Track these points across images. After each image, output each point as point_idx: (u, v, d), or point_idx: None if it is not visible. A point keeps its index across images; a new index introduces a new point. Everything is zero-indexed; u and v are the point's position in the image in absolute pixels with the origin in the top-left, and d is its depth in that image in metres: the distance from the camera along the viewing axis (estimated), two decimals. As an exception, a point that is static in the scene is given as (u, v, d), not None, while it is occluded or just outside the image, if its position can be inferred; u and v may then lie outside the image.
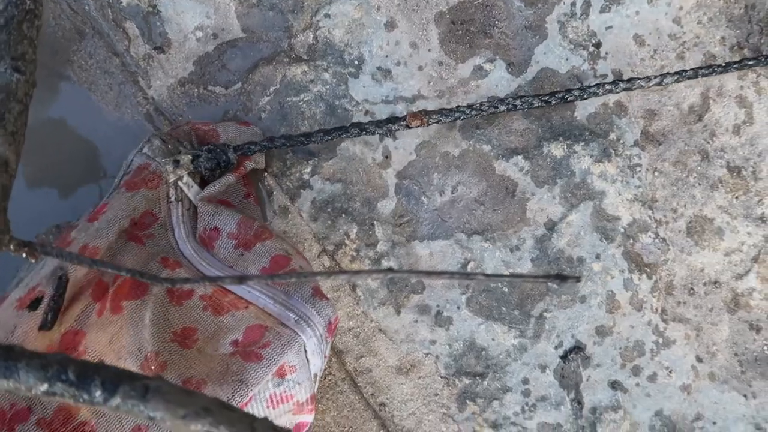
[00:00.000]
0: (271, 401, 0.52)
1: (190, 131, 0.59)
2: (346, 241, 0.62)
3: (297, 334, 0.51)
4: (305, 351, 0.52)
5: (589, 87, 0.59)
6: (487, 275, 0.40)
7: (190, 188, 0.57)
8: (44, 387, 0.32)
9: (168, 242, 0.56)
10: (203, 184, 0.58)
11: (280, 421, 0.56)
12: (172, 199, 0.56)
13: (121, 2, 0.63)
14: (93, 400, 0.32)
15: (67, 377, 0.32)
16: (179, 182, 0.56)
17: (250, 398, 0.50)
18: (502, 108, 0.60)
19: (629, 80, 0.59)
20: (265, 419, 0.34)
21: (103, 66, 0.64)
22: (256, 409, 0.52)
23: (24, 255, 0.39)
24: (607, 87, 0.59)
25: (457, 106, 0.60)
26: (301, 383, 0.53)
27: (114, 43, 0.64)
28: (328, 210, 0.63)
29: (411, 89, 0.63)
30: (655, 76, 0.59)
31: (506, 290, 0.61)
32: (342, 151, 0.63)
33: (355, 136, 0.59)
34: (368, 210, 0.62)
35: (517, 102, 0.60)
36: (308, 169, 0.63)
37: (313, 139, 0.58)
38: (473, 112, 0.60)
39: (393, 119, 0.60)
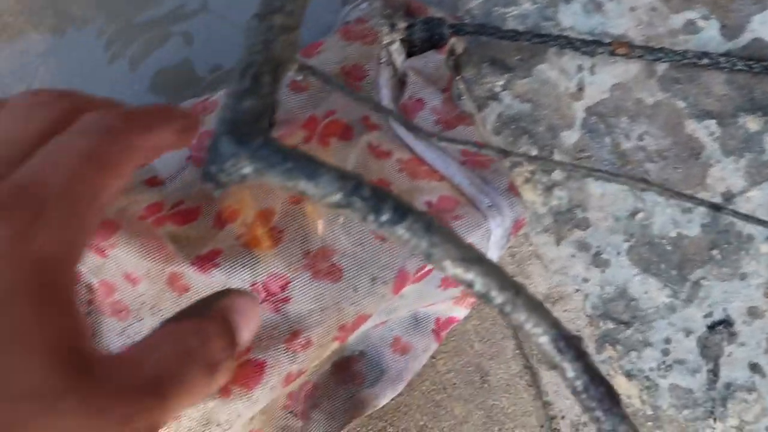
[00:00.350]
0: (445, 280, 0.52)
1: (404, 3, 0.59)
2: (523, 162, 0.62)
3: (486, 219, 0.51)
4: (489, 239, 0.52)
5: None
6: (606, 172, 0.39)
7: (399, 55, 0.57)
8: (339, 197, 0.32)
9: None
10: (408, 56, 0.58)
11: (440, 308, 0.56)
12: (383, 60, 0.56)
13: None
14: (380, 220, 0.32)
15: (363, 193, 0.32)
16: (391, 46, 0.56)
17: (429, 270, 0.50)
18: (705, 61, 0.59)
19: None
20: (527, 293, 0.34)
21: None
22: (430, 283, 0.52)
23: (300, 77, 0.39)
24: None
25: (662, 47, 0.60)
26: None
27: None
28: (512, 127, 0.62)
29: (618, 28, 0.62)
30: None
31: (669, 248, 0.61)
32: (538, 73, 0.62)
33: (560, 47, 0.59)
34: (551, 137, 0.62)
35: (721, 59, 0.59)
36: (501, 83, 0.62)
37: (522, 38, 0.58)
38: (677, 57, 0.59)
39: (599, 42, 0.59)
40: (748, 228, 0.61)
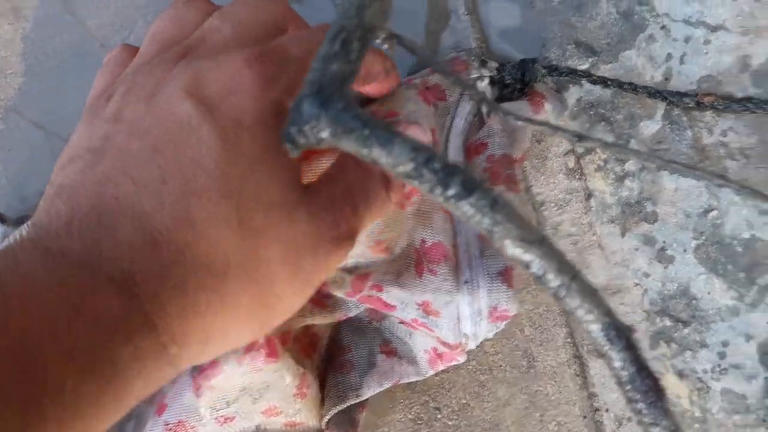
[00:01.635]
0: (411, 324, 0.53)
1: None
2: (597, 149, 0.61)
3: (457, 292, 0.51)
4: (458, 312, 0.51)
5: None
6: (680, 163, 0.38)
7: (487, 94, 0.56)
8: (410, 167, 0.32)
9: (442, 124, 0.56)
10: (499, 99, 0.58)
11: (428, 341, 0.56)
12: (465, 92, 0.56)
13: None
14: (447, 194, 0.33)
15: (433, 165, 0.32)
16: (479, 82, 0.56)
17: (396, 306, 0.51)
18: None
19: None
20: (583, 278, 0.34)
21: None
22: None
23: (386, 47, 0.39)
24: None
25: (752, 98, 0.57)
26: (441, 328, 0.52)
27: None
28: (590, 112, 0.61)
29: (717, 17, 0.60)
30: None
31: (740, 250, 0.59)
32: (624, 59, 0.61)
33: (634, 93, 0.58)
34: (629, 126, 0.61)
35: None
36: (585, 66, 0.61)
37: (613, 84, 0.57)
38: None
39: (683, 93, 0.58)
40: (828, 239, 0.58)
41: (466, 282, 0.52)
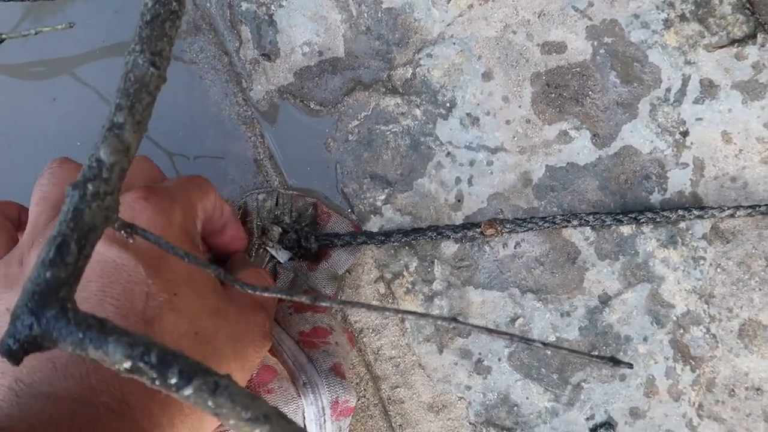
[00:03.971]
0: None
1: (308, 206, 0.62)
2: (404, 273, 0.64)
3: (299, 397, 0.53)
4: (303, 416, 0.54)
5: (663, 211, 0.61)
6: (546, 344, 0.41)
7: (277, 252, 0.60)
8: (127, 364, 0.34)
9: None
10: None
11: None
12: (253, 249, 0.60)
13: (241, 6, 0.67)
14: (168, 383, 0.34)
15: (149, 359, 0.34)
16: (264, 247, 0.60)
17: None
18: (575, 222, 0.62)
19: (702, 208, 0.61)
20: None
21: (211, 62, 0.67)
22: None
23: (125, 235, 0.41)
24: (680, 213, 0.61)
25: (532, 217, 0.62)
26: None
27: (226, 43, 0.68)
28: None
29: (495, 140, 0.65)
30: (729, 207, 0.60)
31: (549, 353, 0.62)
32: (418, 187, 0.65)
33: (430, 239, 0.62)
34: (431, 248, 0.64)
35: (590, 218, 0.62)
36: (382, 197, 0.65)
37: (392, 239, 0.61)
38: (546, 224, 0.62)
39: (469, 225, 0.62)
40: (626, 329, 0.63)
41: (304, 384, 0.54)
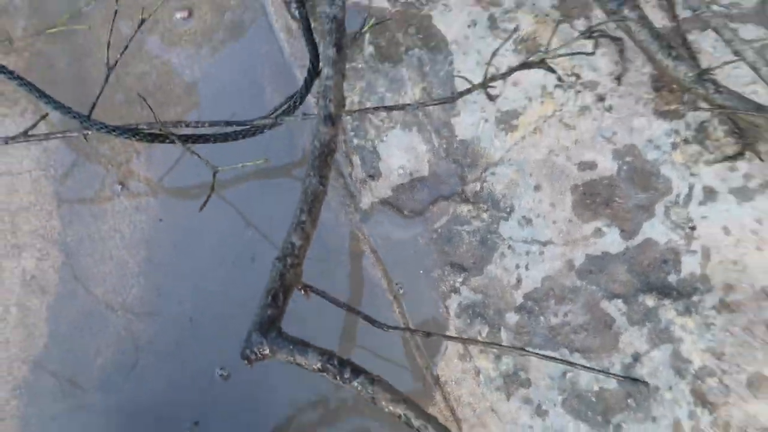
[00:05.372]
0: None
1: None
2: (479, 337, 0.84)
3: None
4: None
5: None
6: (573, 364, 0.61)
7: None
8: (318, 365, 0.56)
9: None
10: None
11: None
12: None
13: (353, 141, 0.92)
14: (344, 377, 0.56)
15: (333, 362, 0.56)
16: None
17: None
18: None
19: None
20: (437, 421, 0.56)
21: (332, 183, 0.92)
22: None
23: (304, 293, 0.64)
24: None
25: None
26: None
27: (342, 167, 0.92)
28: (469, 312, 0.85)
29: (545, 236, 0.86)
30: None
31: (594, 399, 0.80)
32: (487, 272, 0.86)
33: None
34: (498, 318, 0.84)
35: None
36: (460, 280, 0.86)
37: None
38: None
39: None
40: (655, 380, 0.80)
41: None
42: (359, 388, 0.55)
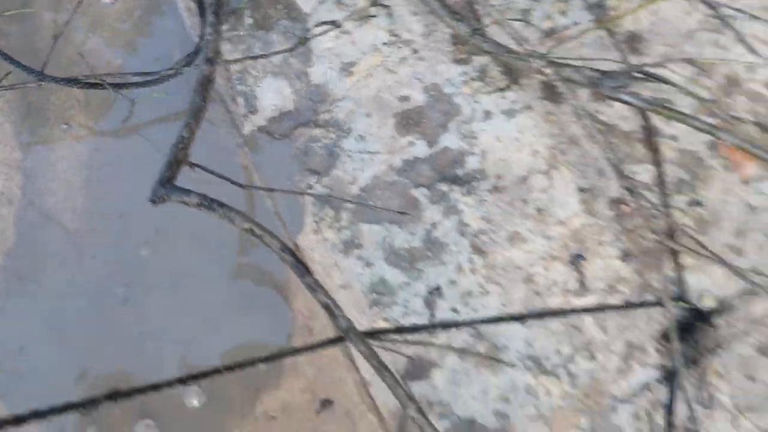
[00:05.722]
0: None
1: None
2: (327, 218, 1.19)
3: None
4: None
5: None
6: (354, 201, 0.97)
7: None
8: (196, 201, 0.90)
9: None
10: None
11: None
12: None
13: (237, 87, 1.26)
14: (213, 209, 0.90)
15: (207, 201, 0.90)
16: None
17: None
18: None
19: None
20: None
21: (221, 116, 1.26)
22: None
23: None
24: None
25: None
26: None
27: (229, 106, 1.27)
28: (321, 201, 1.20)
29: (374, 148, 1.22)
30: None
31: (405, 254, 1.16)
32: (333, 174, 1.22)
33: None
34: (340, 204, 1.20)
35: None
36: (314, 180, 1.22)
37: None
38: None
39: None
40: (445, 239, 1.16)
41: None
42: (222, 214, 0.89)
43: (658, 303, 1.10)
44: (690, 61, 1.06)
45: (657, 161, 1.18)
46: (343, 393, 1.09)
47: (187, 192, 0.90)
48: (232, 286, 1.18)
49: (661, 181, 1.18)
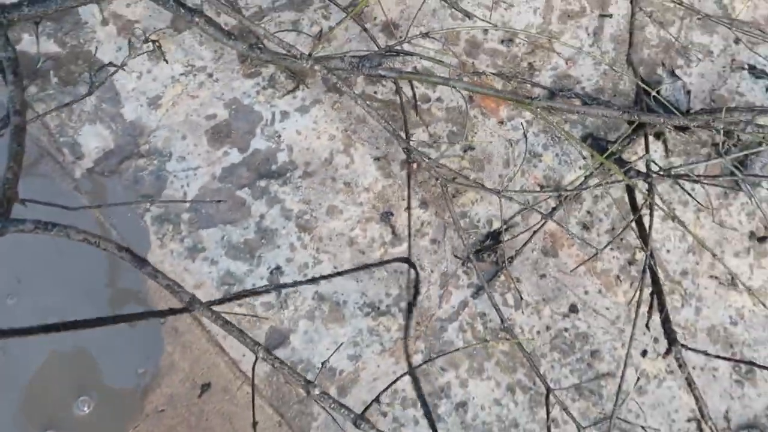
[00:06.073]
0: None
1: None
2: (169, 239, 1.36)
3: None
4: None
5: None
6: (200, 202, 1.15)
7: None
8: (32, 228, 1.05)
9: None
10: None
11: None
12: None
13: (60, 139, 1.39)
14: (48, 231, 1.05)
15: (42, 224, 1.05)
16: None
17: None
18: None
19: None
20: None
21: (54, 165, 1.39)
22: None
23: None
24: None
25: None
26: None
27: (56, 157, 1.40)
28: (159, 220, 1.37)
29: (194, 164, 1.40)
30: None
31: (243, 246, 1.35)
32: (164, 194, 1.38)
33: None
34: (176, 217, 1.37)
35: None
36: (149, 204, 1.38)
37: None
38: None
39: None
40: (275, 226, 1.37)
41: None
42: (57, 232, 1.04)
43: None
44: (426, 35, 1.32)
45: (425, 122, 1.44)
46: (218, 374, 1.27)
47: (22, 221, 1.04)
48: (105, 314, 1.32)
49: (435, 136, 1.45)
